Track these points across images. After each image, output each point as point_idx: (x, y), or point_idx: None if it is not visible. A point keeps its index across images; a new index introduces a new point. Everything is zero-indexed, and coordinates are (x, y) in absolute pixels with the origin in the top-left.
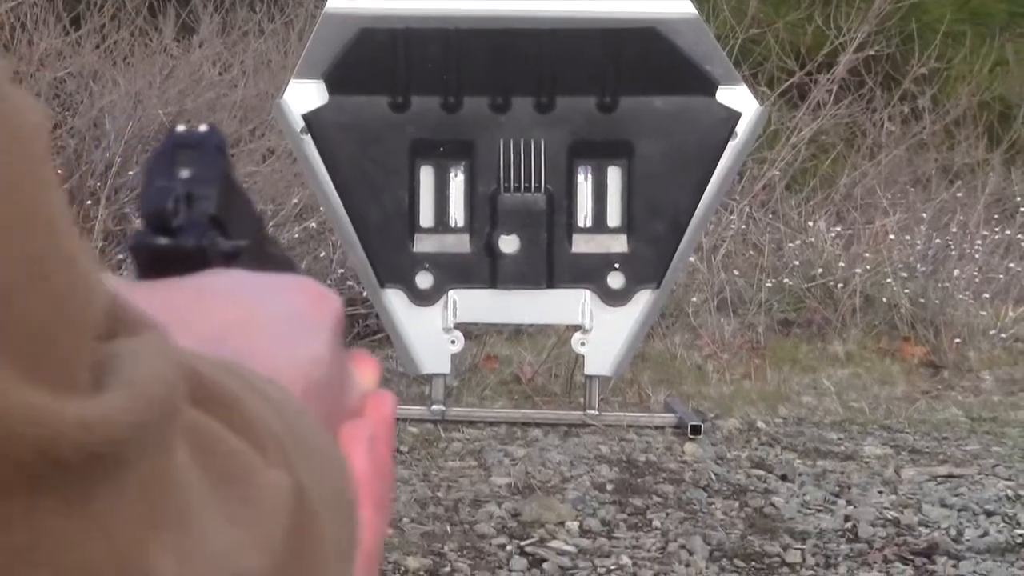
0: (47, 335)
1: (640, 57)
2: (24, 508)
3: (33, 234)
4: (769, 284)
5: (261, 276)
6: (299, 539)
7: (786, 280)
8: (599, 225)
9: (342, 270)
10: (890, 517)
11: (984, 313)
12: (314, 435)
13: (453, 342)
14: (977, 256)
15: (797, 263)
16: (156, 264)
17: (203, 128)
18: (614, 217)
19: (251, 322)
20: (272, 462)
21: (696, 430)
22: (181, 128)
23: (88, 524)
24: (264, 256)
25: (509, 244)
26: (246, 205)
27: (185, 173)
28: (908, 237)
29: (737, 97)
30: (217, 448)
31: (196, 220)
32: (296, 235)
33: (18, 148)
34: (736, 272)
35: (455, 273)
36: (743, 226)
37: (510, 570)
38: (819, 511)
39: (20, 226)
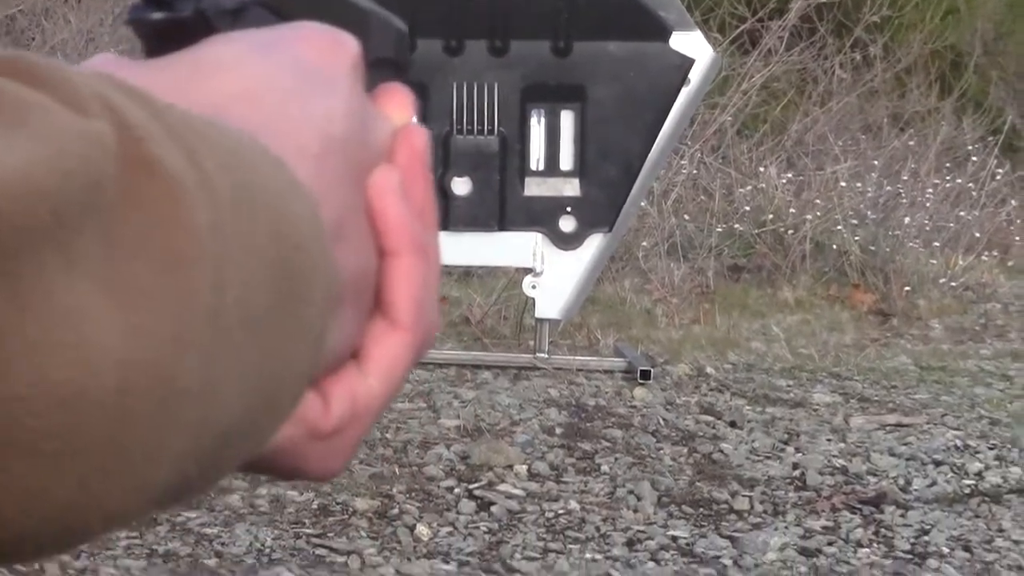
0: None
1: (594, 2)
2: None
3: None
4: (719, 229)
5: (265, 33)
6: (121, 183)
7: (736, 225)
8: (552, 168)
9: None
10: (838, 465)
11: (934, 261)
12: (236, 143)
13: None
14: (928, 204)
15: (747, 209)
16: (158, 39)
17: None
18: (567, 161)
19: (255, 90)
20: (89, 115)
21: (646, 375)
22: None
23: None
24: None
25: (461, 186)
26: None
27: None
28: (859, 184)
29: (691, 43)
30: None
31: None
32: None
33: None
34: (686, 217)
35: None
36: (694, 171)
37: (458, 513)
38: (767, 458)
39: None
